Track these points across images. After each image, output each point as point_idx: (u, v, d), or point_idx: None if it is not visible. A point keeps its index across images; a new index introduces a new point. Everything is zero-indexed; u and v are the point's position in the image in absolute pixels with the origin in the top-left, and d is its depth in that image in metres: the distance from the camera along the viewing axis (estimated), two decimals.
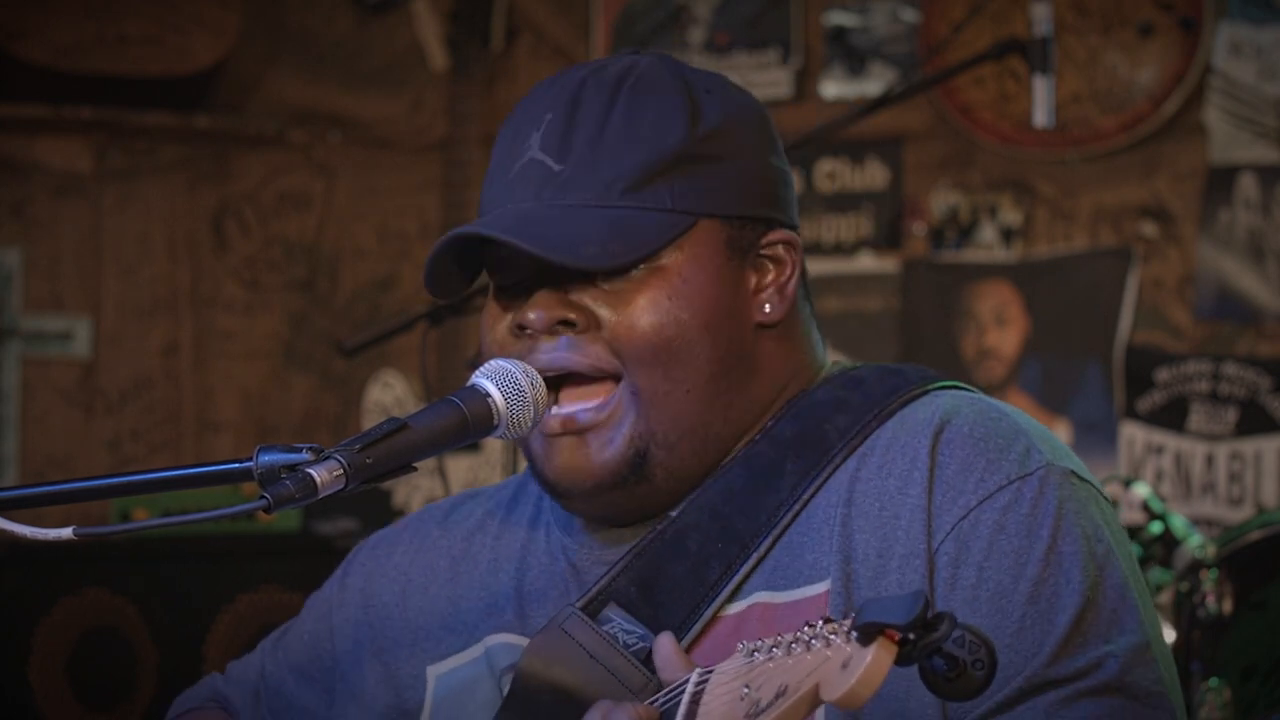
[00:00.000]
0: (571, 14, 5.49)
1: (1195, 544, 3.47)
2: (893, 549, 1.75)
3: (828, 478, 1.82)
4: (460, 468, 5.15)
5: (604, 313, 1.82)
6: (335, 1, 5.75)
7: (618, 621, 1.80)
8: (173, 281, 5.64)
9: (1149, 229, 4.75)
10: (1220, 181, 4.63)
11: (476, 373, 1.81)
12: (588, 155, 1.81)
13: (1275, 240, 4.56)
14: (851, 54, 5.08)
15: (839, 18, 5.11)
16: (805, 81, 5.15)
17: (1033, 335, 4.88)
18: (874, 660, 1.35)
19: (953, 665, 1.39)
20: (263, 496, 1.64)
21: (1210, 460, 4.59)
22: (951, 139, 4.97)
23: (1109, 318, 4.76)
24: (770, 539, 1.81)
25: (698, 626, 1.79)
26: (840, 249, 5.10)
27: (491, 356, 1.85)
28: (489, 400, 1.78)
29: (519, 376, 1.80)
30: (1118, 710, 1.70)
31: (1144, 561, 3.53)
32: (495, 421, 1.78)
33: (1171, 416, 4.65)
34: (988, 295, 4.93)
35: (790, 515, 1.81)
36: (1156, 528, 3.56)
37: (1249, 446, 4.55)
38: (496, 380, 1.79)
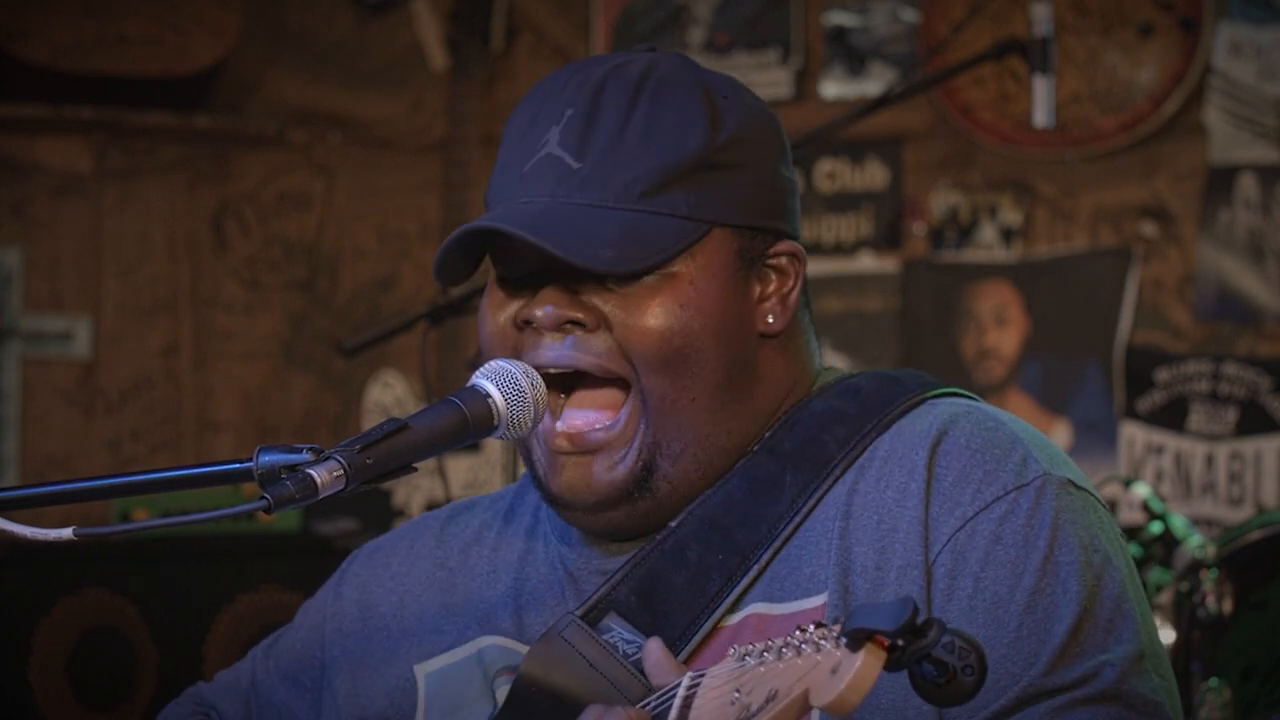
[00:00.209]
0: (571, 14, 5.49)
1: (1195, 544, 3.47)
2: (890, 561, 1.75)
3: (827, 490, 1.82)
4: (460, 468, 5.15)
5: (614, 314, 1.81)
6: (335, 1, 5.75)
7: (617, 631, 1.80)
8: (173, 281, 5.64)
9: (1149, 229, 4.75)
10: (1220, 181, 4.63)
11: (477, 373, 1.81)
12: (607, 155, 1.80)
13: (1275, 240, 4.56)
14: (851, 54, 5.09)
15: (839, 18, 5.11)
16: (805, 81, 5.15)
17: (1033, 335, 4.88)
18: (863, 666, 1.35)
19: (942, 671, 1.39)
20: (263, 497, 1.64)
21: (1210, 460, 4.59)
22: (951, 139, 4.97)
23: (1109, 318, 4.76)
24: (770, 551, 1.80)
25: (698, 637, 1.79)
26: (840, 249, 5.10)
27: (490, 346, 1.84)
28: (489, 401, 1.77)
29: (519, 377, 1.79)
30: (1114, 718, 1.70)
31: (1144, 561, 3.53)
32: (495, 422, 1.78)
33: (1171, 416, 4.65)
34: (988, 295, 4.93)
35: (790, 528, 1.81)
36: (1156, 528, 3.56)
37: (1249, 446, 4.56)
38: (497, 381, 1.79)
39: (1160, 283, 4.73)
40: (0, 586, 4.24)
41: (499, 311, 1.86)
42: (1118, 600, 1.74)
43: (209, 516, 1.66)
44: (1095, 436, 4.73)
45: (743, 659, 1.48)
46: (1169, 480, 4.62)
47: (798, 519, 1.81)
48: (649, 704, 1.62)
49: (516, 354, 1.83)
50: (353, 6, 5.71)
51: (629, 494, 1.83)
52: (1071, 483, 1.79)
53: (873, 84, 4.99)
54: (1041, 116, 3.61)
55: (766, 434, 1.87)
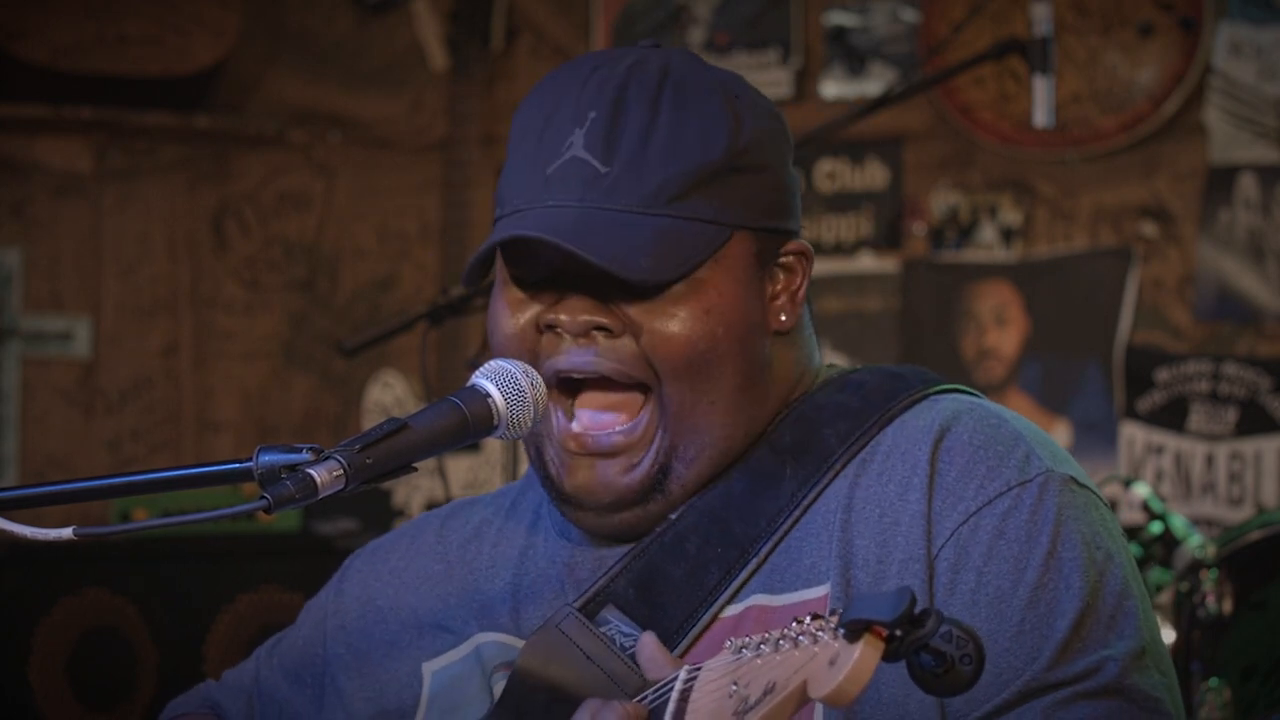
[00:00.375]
0: (571, 14, 5.49)
1: (1195, 544, 3.47)
2: (892, 554, 1.75)
3: (828, 484, 1.82)
4: (460, 468, 5.15)
5: (642, 321, 1.80)
6: (335, 1, 5.75)
7: (615, 623, 1.80)
8: (173, 281, 5.64)
9: (1149, 229, 4.75)
10: (1220, 181, 4.63)
11: (476, 373, 1.80)
12: (634, 160, 1.79)
13: (1275, 240, 4.56)
14: (851, 54, 5.08)
15: (839, 18, 5.11)
16: (805, 81, 5.15)
17: (1033, 335, 4.88)
18: (861, 657, 1.35)
19: (940, 661, 1.38)
20: (263, 497, 1.64)
21: (1210, 460, 4.59)
22: (951, 139, 4.97)
23: (1109, 318, 4.76)
24: (770, 544, 1.80)
25: (695, 629, 1.79)
26: (840, 249, 5.10)
27: (506, 347, 1.83)
28: (489, 400, 1.77)
29: (519, 377, 1.79)
30: (1115, 712, 1.70)
31: (1144, 561, 3.53)
32: (495, 422, 1.77)
33: (1171, 416, 4.65)
34: (988, 295, 4.93)
35: (790, 521, 1.81)
36: (1156, 528, 3.56)
37: (1249, 446, 4.55)
38: (497, 381, 1.78)
39: (1160, 283, 4.73)
40: (0, 586, 4.25)
41: (518, 313, 1.84)
42: (1120, 596, 1.74)
43: (209, 516, 1.66)
44: (1095, 436, 4.73)
45: (739, 651, 1.47)
46: (1169, 480, 4.62)
47: (797, 512, 1.81)
48: (646, 698, 1.61)
49: (535, 357, 1.82)
50: (353, 6, 5.70)
51: (643, 496, 1.83)
52: (1074, 480, 1.79)
53: (873, 84, 4.99)
54: (1041, 116, 3.61)
55: (768, 428, 1.87)
